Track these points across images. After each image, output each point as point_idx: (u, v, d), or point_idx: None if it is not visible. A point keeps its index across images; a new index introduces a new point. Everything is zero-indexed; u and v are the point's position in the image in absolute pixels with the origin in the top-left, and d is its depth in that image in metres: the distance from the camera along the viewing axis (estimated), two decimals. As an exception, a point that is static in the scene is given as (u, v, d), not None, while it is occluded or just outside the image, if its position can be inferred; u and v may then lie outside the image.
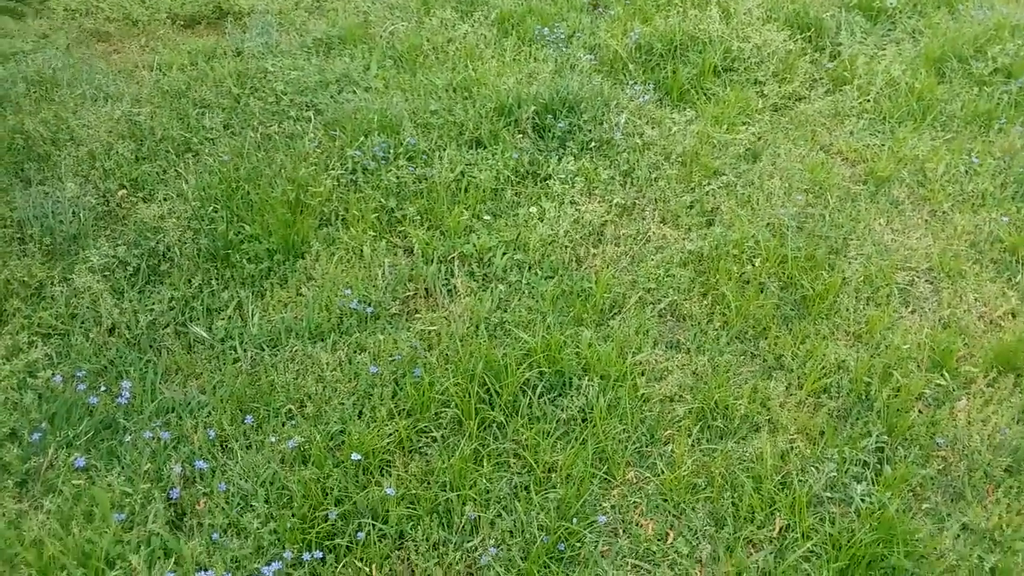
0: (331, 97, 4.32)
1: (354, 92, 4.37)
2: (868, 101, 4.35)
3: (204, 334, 2.97)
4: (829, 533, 2.36)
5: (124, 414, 2.66)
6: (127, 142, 3.89)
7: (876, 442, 2.61)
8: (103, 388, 2.73)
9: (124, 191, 3.63)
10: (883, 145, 4.04)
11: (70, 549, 2.23)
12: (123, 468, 2.49)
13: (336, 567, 2.28)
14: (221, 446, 2.60)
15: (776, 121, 4.27)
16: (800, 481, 2.49)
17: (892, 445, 2.62)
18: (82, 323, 2.99)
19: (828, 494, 2.49)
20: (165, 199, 3.56)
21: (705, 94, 4.46)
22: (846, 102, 4.36)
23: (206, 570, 2.20)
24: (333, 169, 3.72)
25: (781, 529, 2.39)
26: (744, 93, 4.41)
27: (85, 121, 4.01)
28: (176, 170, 3.75)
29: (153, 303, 3.08)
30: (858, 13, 5.14)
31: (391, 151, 3.84)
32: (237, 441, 2.59)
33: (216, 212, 3.46)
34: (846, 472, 2.55)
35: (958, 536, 2.41)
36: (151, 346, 2.94)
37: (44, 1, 5.26)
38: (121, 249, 3.25)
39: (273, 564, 2.23)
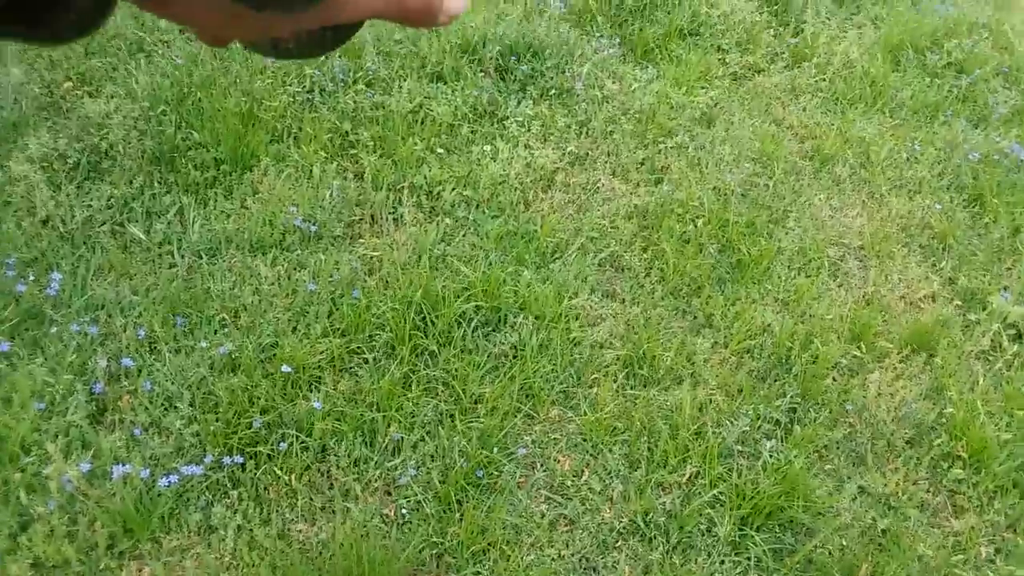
0: (294, 13, 4.22)
1: (318, 11, 4.29)
2: (824, 80, 4.43)
3: (141, 236, 2.93)
4: (735, 483, 2.47)
5: (52, 306, 2.62)
6: (77, 34, 3.76)
7: (790, 403, 2.73)
8: (32, 278, 2.69)
9: (70, 83, 3.52)
10: (832, 124, 4.13)
11: (-14, 432, 2.22)
12: (46, 359, 2.47)
13: (256, 472, 2.31)
14: (150, 347, 2.59)
15: (734, 89, 4.33)
16: (714, 433, 2.60)
17: (804, 407, 2.74)
18: (15, 211, 2.92)
19: (739, 447, 2.60)
20: (112, 97, 3.47)
21: (669, 55, 4.48)
22: (803, 79, 4.43)
23: (123, 464, 2.21)
24: (290, 86, 3.66)
25: (691, 476, 2.49)
26: (707, 58, 4.45)
27: (34, 7, 3.86)
28: (126, 68, 3.64)
29: (91, 199, 3.02)
30: (826, -6, 5.20)
31: (351, 75, 3.79)
32: (167, 344, 2.59)
33: (165, 115, 3.38)
34: (758, 428, 2.66)
35: (855, 497, 2.54)
36: (85, 242, 2.89)
37: None
38: (62, 142, 3.16)
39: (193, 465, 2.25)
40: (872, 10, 5.15)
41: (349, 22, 0.36)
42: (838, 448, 2.67)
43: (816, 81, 4.43)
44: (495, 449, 2.47)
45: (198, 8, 0.33)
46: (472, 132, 3.69)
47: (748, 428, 2.63)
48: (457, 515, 2.33)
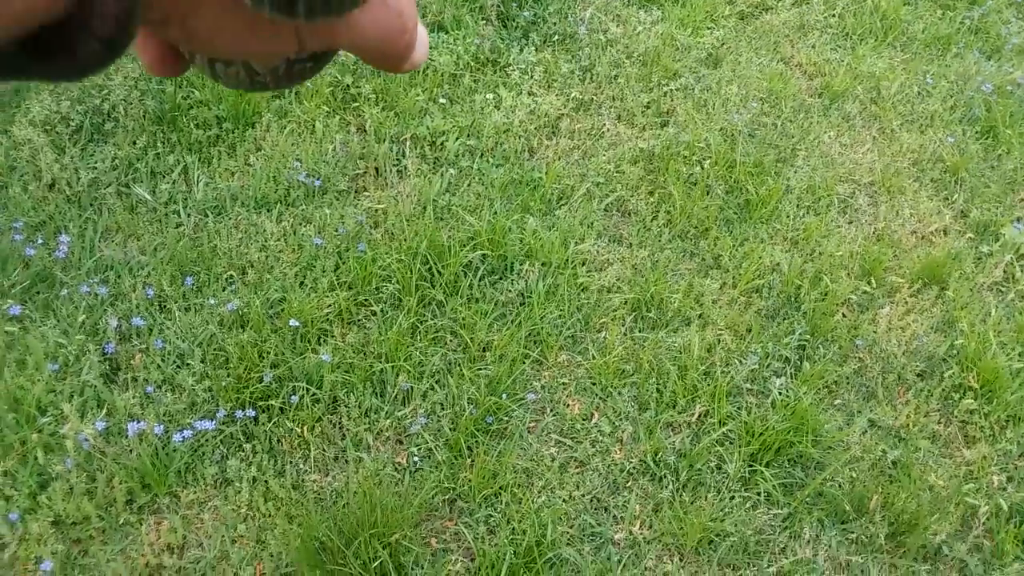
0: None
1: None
2: (833, 16, 4.34)
3: (147, 196, 2.94)
4: (744, 421, 2.48)
5: (61, 268, 2.65)
6: (73, -3, 3.74)
7: (799, 340, 2.72)
8: (40, 241, 2.71)
9: (68, 47, 3.51)
10: (842, 61, 4.05)
11: (1, 395, 2.26)
12: (58, 320, 2.50)
13: (268, 425, 2.34)
14: (159, 306, 2.61)
15: (741, 29, 4.25)
16: (723, 372, 2.60)
17: (813, 344, 2.73)
18: (21, 176, 2.94)
19: (748, 385, 2.60)
20: (111, 58, 3.45)
21: (673, -4, 4.40)
22: (812, 15, 4.34)
23: (138, 421, 2.24)
24: (288, 41, 3.63)
25: (700, 415, 2.50)
26: (712, -2, 4.37)
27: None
28: (124, 30, 3.62)
29: (96, 161, 3.02)
30: (835, -74, 5.06)
31: (349, 27, 3.75)
32: (176, 302, 2.61)
33: (164, 75, 3.36)
34: (767, 366, 2.66)
35: (865, 431, 2.54)
36: (91, 204, 2.91)
37: None
38: (64, 105, 3.16)
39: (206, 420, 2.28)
40: (882, -59, 5.01)
41: (338, 49, 0.36)
42: (848, 383, 2.67)
43: (825, 17, 4.34)
44: (504, 395, 2.49)
45: (213, 13, 0.32)
46: (474, 81, 3.65)
47: (757, 366, 2.62)
48: (468, 461, 2.35)
